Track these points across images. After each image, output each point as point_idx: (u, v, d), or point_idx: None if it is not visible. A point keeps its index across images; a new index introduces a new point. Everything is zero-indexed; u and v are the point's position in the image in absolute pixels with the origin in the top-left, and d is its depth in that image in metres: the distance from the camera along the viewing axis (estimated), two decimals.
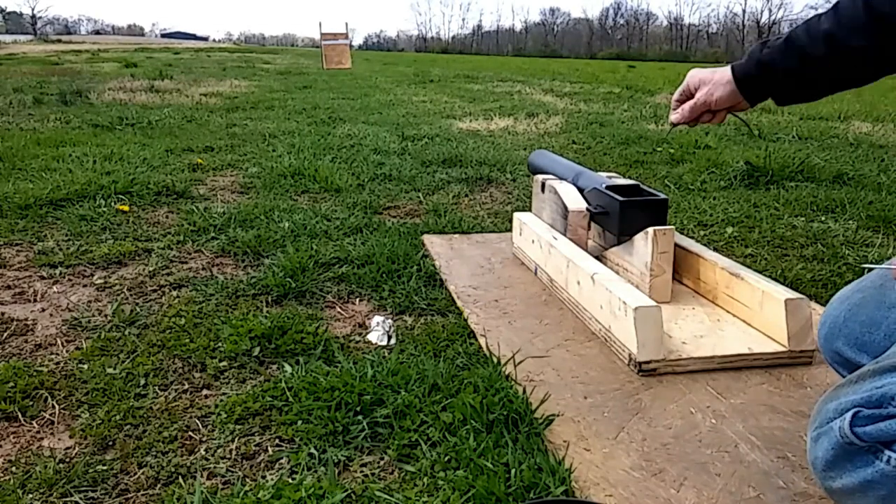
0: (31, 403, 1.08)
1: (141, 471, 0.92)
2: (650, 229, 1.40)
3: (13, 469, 0.92)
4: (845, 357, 0.92)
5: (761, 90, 1.20)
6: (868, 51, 1.05)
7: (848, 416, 0.64)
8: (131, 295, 1.54)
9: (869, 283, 0.94)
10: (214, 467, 0.94)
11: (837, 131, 4.54)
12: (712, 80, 1.23)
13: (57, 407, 1.07)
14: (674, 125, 1.31)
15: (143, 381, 1.15)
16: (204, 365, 1.21)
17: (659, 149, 3.62)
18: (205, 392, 1.13)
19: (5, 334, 1.33)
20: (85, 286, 1.59)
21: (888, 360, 0.65)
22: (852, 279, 1.70)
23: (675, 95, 1.33)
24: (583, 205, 1.60)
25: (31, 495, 0.87)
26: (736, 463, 0.93)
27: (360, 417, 1.02)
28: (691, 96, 1.29)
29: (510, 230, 1.91)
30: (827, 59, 1.08)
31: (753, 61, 1.18)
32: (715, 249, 1.75)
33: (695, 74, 1.28)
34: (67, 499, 0.87)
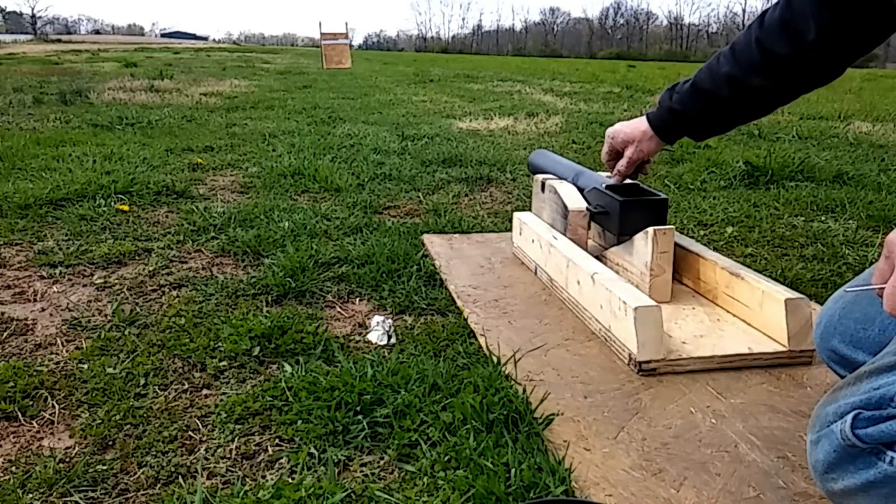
0: (31, 403, 1.08)
1: (141, 471, 0.92)
2: (650, 229, 1.40)
3: (13, 469, 0.92)
4: (841, 354, 0.92)
5: (677, 133, 1.32)
6: (767, 88, 1.13)
7: (848, 418, 0.64)
8: (131, 295, 1.54)
9: (862, 282, 0.95)
10: (214, 467, 0.94)
11: (837, 131, 4.54)
12: (637, 138, 1.37)
13: (57, 407, 1.07)
14: (620, 182, 1.47)
15: (143, 381, 1.15)
16: (204, 365, 1.21)
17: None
18: (205, 392, 1.13)
19: (5, 334, 1.33)
20: (85, 286, 1.59)
21: (884, 360, 0.66)
22: (852, 279, 1.70)
23: (604, 156, 1.47)
24: (583, 204, 1.60)
25: (30, 495, 0.87)
26: (736, 463, 0.93)
27: (360, 417, 1.02)
28: (619, 154, 1.44)
29: (510, 230, 1.91)
30: (731, 99, 1.18)
31: (665, 109, 1.30)
32: (715, 249, 1.75)
33: (616, 135, 1.42)
34: (67, 499, 0.87)
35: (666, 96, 1.30)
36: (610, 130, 1.44)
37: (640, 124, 1.37)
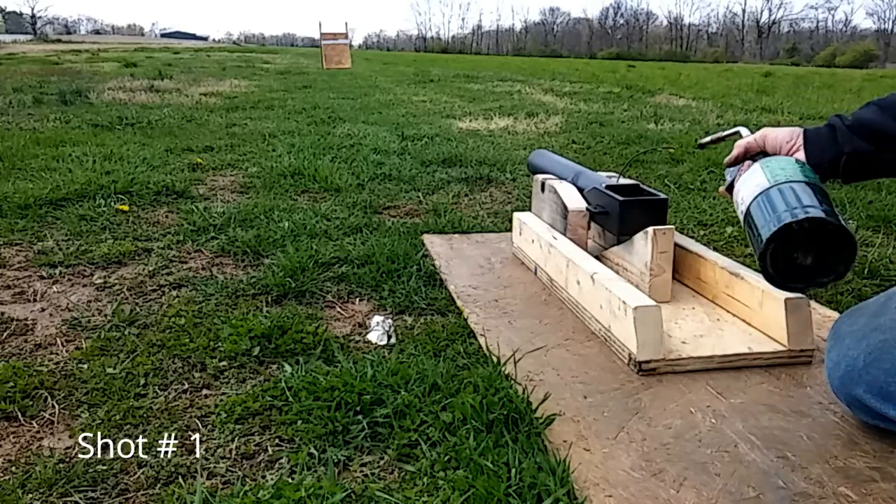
0: (31, 403, 1.08)
1: (141, 471, 0.92)
2: (650, 229, 1.40)
3: (13, 469, 0.92)
4: (867, 405, 0.88)
5: (833, 162, 1.12)
6: None
7: None
8: (131, 295, 1.54)
9: (889, 323, 0.90)
10: (214, 467, 0.94)
11: None
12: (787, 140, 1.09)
13: (57, 407, 1.07)
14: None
15: (142, 381, 1.15)
16: (204, 365, 1.21)
17: (659, 148, 3.62)
18: (205, 392, 1.13)
19: (5, 334, 1.33)
20: (85, 286, 1.59)
21: None
22: (852, 279, 1.70)
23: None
24: (582, 204, 1.60)
25: (30, 495, 0.87)
26: (736, 463, 0.93)
27: (359, 417, 1.02)
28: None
29: (510, 230, 1.91)
30: None
31: (826, 125, 1.09)
32: (715, 249, 1.75)
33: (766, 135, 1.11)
34: (67, 499, 0.87)
35: (834, 120, 1.09)
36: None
37: (794, 130, 1.11)
